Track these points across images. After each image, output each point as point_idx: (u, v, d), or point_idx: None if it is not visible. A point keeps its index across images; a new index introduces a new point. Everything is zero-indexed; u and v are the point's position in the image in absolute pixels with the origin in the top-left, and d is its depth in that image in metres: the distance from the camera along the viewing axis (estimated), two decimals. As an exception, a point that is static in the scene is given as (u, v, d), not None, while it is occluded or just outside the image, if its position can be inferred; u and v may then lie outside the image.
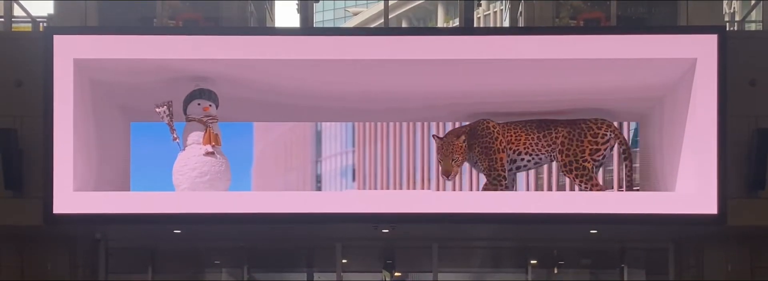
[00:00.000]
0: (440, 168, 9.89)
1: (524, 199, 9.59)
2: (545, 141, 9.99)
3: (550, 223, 9.59)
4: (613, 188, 10.56)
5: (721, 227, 9.60)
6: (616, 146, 10.18)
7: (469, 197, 9.59)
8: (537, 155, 10.03)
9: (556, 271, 13.07)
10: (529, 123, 10.05)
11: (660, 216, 9.39)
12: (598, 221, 9.71)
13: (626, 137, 10.24)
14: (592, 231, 11.05)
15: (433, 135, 10.11)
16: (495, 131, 9.96)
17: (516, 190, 10.15)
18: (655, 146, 10.22)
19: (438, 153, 9.94)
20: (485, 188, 9.93)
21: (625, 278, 12.73)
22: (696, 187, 9.29)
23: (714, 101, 9.18)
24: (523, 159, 10.03)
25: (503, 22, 14.73)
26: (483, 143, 9.95)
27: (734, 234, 10.55)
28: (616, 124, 10.09)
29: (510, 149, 9.95)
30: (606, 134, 9.94)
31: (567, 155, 9.90)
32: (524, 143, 9.98)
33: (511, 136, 9.97)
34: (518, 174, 10.28)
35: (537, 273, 12.92)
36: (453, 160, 9.84)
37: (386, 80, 9.54)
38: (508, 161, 9.99)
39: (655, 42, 9.16)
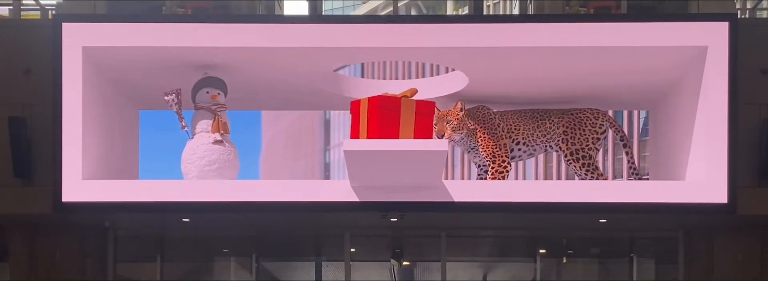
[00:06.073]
0: (434, 130, 9.56)
1: (533, 188, 9.53)
2: (540, 131, 9.84)
3: (560, 212, 9.54)
4: (622, 177, 10.52)
5: (731, 216, 9.54)
6: (611, 134, 10.11)
7: (478, 186, 9.53)
8: (532, 146, 9.88)
9: (564, 260, 13.07)
10: (523, 113, 9.89)
11: (669, 205, 9.32)
12: (607, 210, 9.66)
13: (637, 126, 10.18)
14: (601, 220, 11.03)
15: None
16: (496, 117, 9.84)
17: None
18: (665, 134, 10.18)
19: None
20: (492, 176, 9.78)
21: (635, 267, 12.72)
22: (706, 176, 9.22)
23: (725, 89, 9.10)
24: (519, 149, 9.88)
25: (513, 10, 14.67)
26: (486, 128, 9.76)
27: (744, 223, 10.53)
28: (610, 113, 9.98)
29: (509, 137, 9.82)
30: (603, 124, 9.85)
31: (573, 144, 9.80)
32: (523, 133, 9.83)
33: (511, 124, 9.84)
34: (520, 163, 10.08)
35: (546, 263, 12.92)
36: (448, 122, 9.62)
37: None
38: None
39: (665, 30, 9.08)
